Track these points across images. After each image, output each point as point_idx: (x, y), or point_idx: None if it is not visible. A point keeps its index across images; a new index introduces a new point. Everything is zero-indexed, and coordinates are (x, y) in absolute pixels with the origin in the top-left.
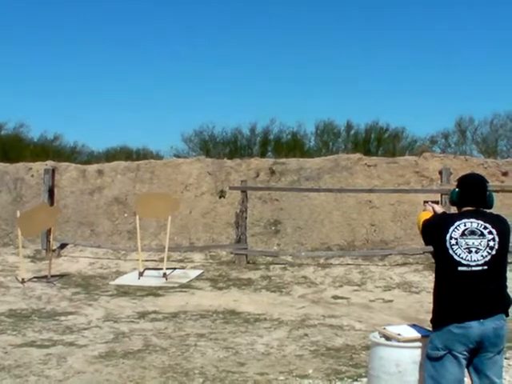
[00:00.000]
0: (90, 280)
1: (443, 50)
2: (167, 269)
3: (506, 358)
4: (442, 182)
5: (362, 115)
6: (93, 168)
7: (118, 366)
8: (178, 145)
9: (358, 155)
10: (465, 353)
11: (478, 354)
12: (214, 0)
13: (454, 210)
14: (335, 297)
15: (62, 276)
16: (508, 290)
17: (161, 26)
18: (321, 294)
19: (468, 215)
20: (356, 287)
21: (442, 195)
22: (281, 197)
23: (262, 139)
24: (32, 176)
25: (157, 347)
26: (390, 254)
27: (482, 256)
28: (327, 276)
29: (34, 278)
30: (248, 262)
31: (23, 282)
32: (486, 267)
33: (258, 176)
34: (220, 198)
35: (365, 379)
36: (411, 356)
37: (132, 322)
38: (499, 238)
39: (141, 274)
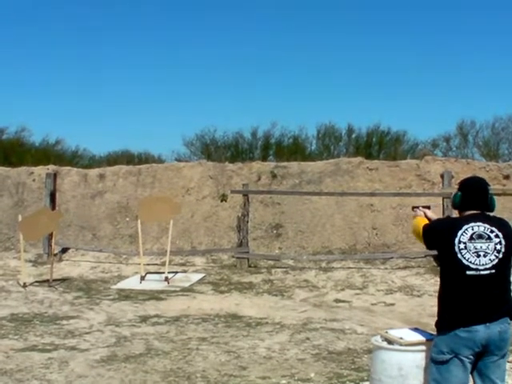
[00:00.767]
0: (92, 284)
1: (445, 54)
2: (169, 273)
3: (508, 362)
4: (443, 185)
5: (363, 119)
6: (94, 172)
7: (119, 370)
8: (180, 149)
9: (359, 159)
10: (471, 357)
11: (482, 358)
12: (215, 3)
13: (455, 213)
14: (337, 300)
15: (63, 280)
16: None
17: (162, 29)
18: (322, 297)
19: (474, 219)
20: (358, 291)
21: (443, 198)
22: (282, 200)
23: (264, 143)
24: (34, 180)
25: (159, 351)
26: (392, 258)
27: (489, 260)
28: (329, 280)
29: (36, 282)
30: (250, 266)
31: (25, 286)
32: (493, 271)
33: (259, 180)
34: (222, 201)
35: (367, 383)
36: (414, 360)
37: (134, 325)
38: (505, 241)
39: (142, 278)
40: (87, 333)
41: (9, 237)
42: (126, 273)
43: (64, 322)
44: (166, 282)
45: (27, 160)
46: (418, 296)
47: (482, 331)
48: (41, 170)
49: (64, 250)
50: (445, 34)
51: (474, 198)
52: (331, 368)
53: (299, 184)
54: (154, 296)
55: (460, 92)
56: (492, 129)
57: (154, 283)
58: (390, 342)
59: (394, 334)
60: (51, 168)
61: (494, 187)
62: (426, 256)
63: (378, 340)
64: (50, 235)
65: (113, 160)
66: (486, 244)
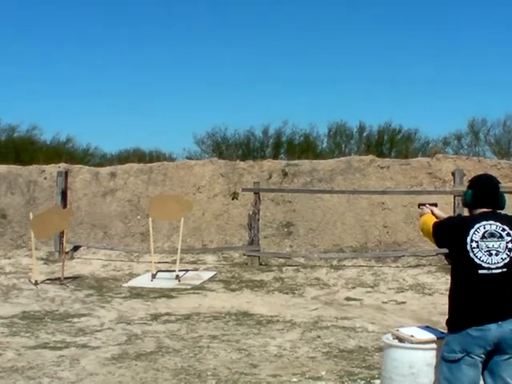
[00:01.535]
0: (103, 282)
1: (456, 51)
2: (180, 271)
3: None
4: (454, 183)
5: (374, 117)
6: (106, 170)
7: (130, 367)
8: (191, 147)
9: (370, 157)
10: (482, 355)
11: (493, 357)
12: (226, 1)
13: (466, 211)
14: (348, 298)
15: (75, 278)
16: None
17: (173, 28)
18: (333, 295)
19: (486, 217)
20: (369, 289)
21: (454, 197)
22: (293, 198)
23: (275, 141)
24: (45, 178)
25: (169, 349)
26: (403, 256)
27: (501, 258)
28: (340, 278)
29: (47, 280)
30: (260, 264)
31: (36, 284)
32: (505, 269)
33: (270, 178)
34: (233, 199)
35: (378, 381)
36: (424, 358)
37: (145, 323)
38: None
39: (154, 276)
40: (98, 331)
41: (20, 235)
42: (137, 271)
43: (75, 319)
44: (177, 280)
45: (38, 158)
46: (429, 294)
47: (494, 330)
48: (52, 169)
49: (75, 248)
50: (457, 31)
51: (485, 195)
52: (342, 366)
53: (310, 182)
54: (165, 294)
55: (471, 90)
56: (503, 126)
57: (165, 281)
58: (400, 340)
59: (405, 332)
60: (62, 166)
61: (505, 185)
62: (437, 254)
63: (388, 338)
64: (62, 233)
65: (124, 158)
66: (498, 242)
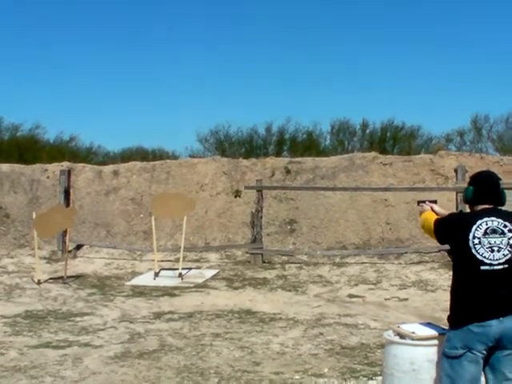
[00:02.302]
0: (106, 281)
1: (459, 47)
2: (183, 269)
3: None
4: (457, 180)
5: (377, 114)
6: (108, 169)
7: (133, 366)
8: (194, 145)
9: (373, 154)
10: (484, 351)
11: (494, 352)
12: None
13: (467, 208)
14: (351, 295)
15: (77, 277)
16: None
17: (174, 26)
18: (336, 292)
19: (488, 214)
20: (371, 286)
21: (457, 193)
22: (296, 196)
23: (278, 138)
24: (48, 177)
25: (172, 347)
26: (406, 253)
27: (503, 255)
28: (343, 275)
29: (50, 279)
30: (263, 262)
31: (39, 283)
32: (506, 266)
33: (273, 175)
34: (235, 197)
35: (380, 378)
36: (426, 354)
37: (148, 322)
38: None
39: (156, 275)
40: (101, 329)
41: (23, 234)
42: (140, 269)
43: (78, 318)
44: (180, 279)
45: (41, 157)
46: (432, 291)
47: (495, 326)
48: (55, 167)
49: (78, 247)
50: (459, 27)
51: (486, 192)
52: (344, 363)
53: (313, 179)
54: (168, 292)
55: (474, 86)
56: (506, 123)
57: (167, 279)
58: (401, 336)
59: (406, 328)
60: (65, 165)
61: (507, 181)
62: (439, 251)
63: (390, 335)
64: (65, 232)
65: (127, 156)
66: (500, 239)
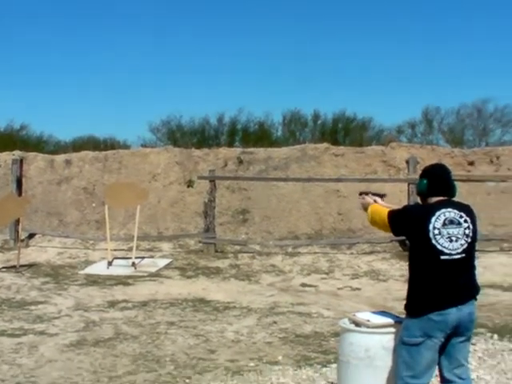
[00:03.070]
0: (59, 270)
1: (410, 40)
2: (136, 258)
3: (472, 344)
4: (409, 171)
5: (329, 105)
6: (61, 158)
7: (89, 354)
8: (145, 135)
9: (325, 145)
10: (442, 339)
11: (450, 339)
12: None
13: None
14: (303, 285)
15: (30, 266)
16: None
17: (131, 15)
18: (289, 282)
19: (445, 205)
20: (324, 275)
21: (409, 184)
22: (249, 186)
23: (230, 129)
24: (0, 166)
25: (127, 335)
26: (358, 243)
27: (460, 244)
28: (295, 264)
29: (3, 268)
30: (216, 251)
31: None
32: (464, 255)
33: (226, 165)
34: (188, 187)
35: (334, 365)
36: (381, 341)
37: (102, 310)
38: (473, 226)
39: (110, 264)
40: (56, 318)
41: None
42: (93, 258)
43: (32, 307)
44: (133, 268)
45: None
46: (384, 281)
47: (453, 314)
48: (6, 156)
49: (31, 236)
50: (411, 20)
51: (440, 184)
52: (298, 351)
53: (265, 170)
54: (122, 281)
55: (426, 79)
56: (457, 115)
57: (121, 268)
58: (357, 324)
59: (361, 316)
60: (17, 154)
61: (458, 173)
62: (391, 241)
63: (345, 322)
64: (17, 221)
65: (78, 146)
66: (457, 229)
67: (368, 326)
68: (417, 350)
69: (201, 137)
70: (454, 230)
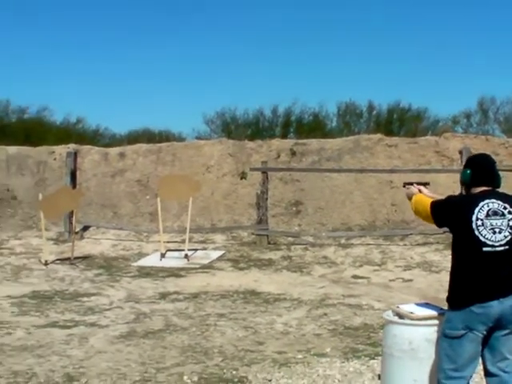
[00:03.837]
0: (113, 262)
1: (464, 29)
2: (189, 250)
3: None
4: (462, 161)
5: (384, 96)
6: (115, 151)
7: (138, 345)
8: (200, 127)
9: (378, 135)
10: (484, 332)
11: (493, 332)
12: None
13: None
14: (355, 276)
15: (84, 258)
16: None
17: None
18: (341, 273)
19: (488, 196)
20: (376, 267)
21: None
22: (302, 177)
23: (284, 120)
24: (55, 159)
25: (177, 327)
26: (411, 234)
27: (504, 236)
28: (348, 256)
29: (57, 260)
30: (269, 243)
31: (46, 264)
32: (507, 247)
33: (278, 157)
34: (241, 179)
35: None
36: (424, 333)
37: (153, 302)
38: None
39: (163, 256)
40: (107, 309)
41: (30, 216)
42: (147, 250)
43: (84, 298)
44: (186, 259)
45: (48, 139)
46: (436, 272)
47: (495, 306)
48: (62, 149)
49: (85, 228)
50: (463, 9)
51: (484, 174)
52: (347, 343)
53: (318, 161)
54: (174, 273)
55: (481, 68)
56: None
57: (173, 260)
58: (400, 316)
59: (405, 308)
60: (72, 147)
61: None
62: (444, 232)
63: (389, 315)
64: (71, 213)
65: (133, 138)
66: (501, 220)
67: (411, 318)
68: (458, 342)
69: (255, 128)
70: (497, 222)
